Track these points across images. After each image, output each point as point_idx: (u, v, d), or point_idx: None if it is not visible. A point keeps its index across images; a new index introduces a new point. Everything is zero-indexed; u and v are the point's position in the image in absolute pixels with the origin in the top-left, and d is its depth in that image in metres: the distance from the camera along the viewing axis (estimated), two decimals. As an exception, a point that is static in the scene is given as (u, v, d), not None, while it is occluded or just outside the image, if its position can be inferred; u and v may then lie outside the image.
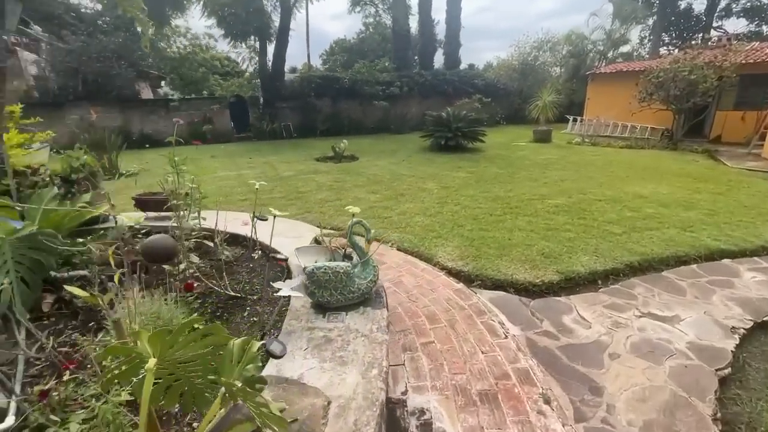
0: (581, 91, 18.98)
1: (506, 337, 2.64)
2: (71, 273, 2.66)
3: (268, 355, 1.40)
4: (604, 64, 21.85)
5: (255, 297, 2.52)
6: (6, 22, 2.57)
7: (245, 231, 3.57)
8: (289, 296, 2.10)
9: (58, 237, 1.99)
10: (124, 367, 0.99)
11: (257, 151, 11.83)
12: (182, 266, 2.62)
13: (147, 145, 13.39)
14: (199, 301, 2.46)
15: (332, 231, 4.36)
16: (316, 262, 2.19)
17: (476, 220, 5.02)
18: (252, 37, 16.38)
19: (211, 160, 10.43)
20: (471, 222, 4.92)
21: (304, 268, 2.00)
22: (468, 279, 3.53)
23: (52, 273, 2.60)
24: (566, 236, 4.37)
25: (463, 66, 21.69)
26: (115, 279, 1.86)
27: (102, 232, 3.25)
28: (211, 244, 3.21)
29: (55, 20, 15.49)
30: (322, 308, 2.13)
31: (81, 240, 3.18)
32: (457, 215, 5.22)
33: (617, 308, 3.04)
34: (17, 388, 1.70)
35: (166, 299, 1.92)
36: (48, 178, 3.05)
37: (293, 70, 23.82)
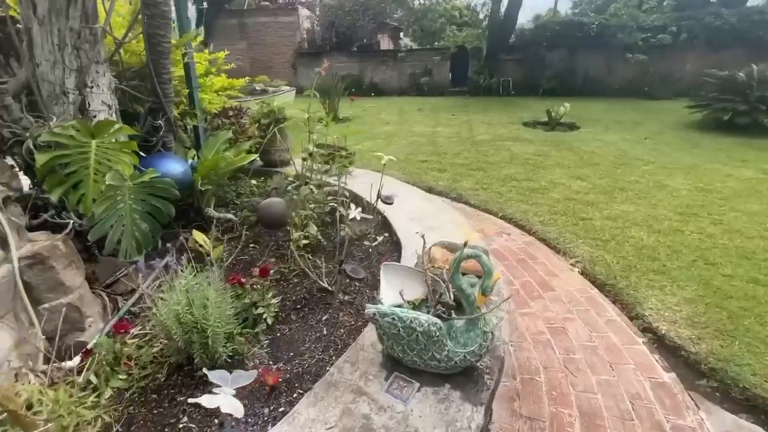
0: None
1: None
2: (220, 215, 2.87)
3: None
4: None
5: (346, 298, 2.06)
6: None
7: (386, 203, 3.10)
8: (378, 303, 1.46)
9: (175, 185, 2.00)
10: None
11: (464, 108, 11.14)
12: (295, 235, 2.39)
13: (372, 94, 14.72)
14: (295, 280, 2.19)
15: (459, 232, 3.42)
16: (401, 293, 1.49)
17: (748, 259, 2.99)
18: (491, -20, 14.96)
19: (417, 113, 10.46)
20: (735, 261, 2.96)
21: (366, 309, 1.34)
22: (694, 369, 2.06)
23: (208, 211, 2.87)
24: None
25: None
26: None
27: (262, 178, 3.43)
28: (343, 212, 2.91)
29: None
30: (393, 360, 1.45)
31: (254, 182, 3.47)
32: (710, 242, 3.26)
33: None
34: (111, 323, 1.84)
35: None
36: (233, 121, 3.36)
37: (536, 18, 20.82)
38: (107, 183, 1.70)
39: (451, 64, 14.73)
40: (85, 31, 1.81)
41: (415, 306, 1.47)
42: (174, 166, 2.46)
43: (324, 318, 1.90)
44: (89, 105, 1.93)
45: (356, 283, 2.18)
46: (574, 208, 4.03)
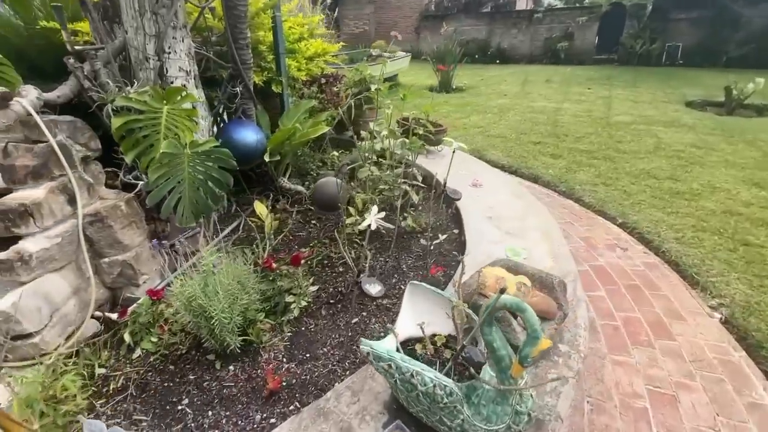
0: None
1: None
2: (291, 186, 2.85)
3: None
4: None
5: (384, 301, 1.82)
6: None
7: (468, 193, 2.67)
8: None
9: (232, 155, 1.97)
10: None
11: (606, 80, 9.29)
12: (349, 219, 2.20)
13: (497, 61, 13.39)
14: (341, 269, 2.03)
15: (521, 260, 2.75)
16: (421, 325, 1.18)
17: None
18: None
19: (543, 85, 9.11)
20: None
21: (360, 344, 1.06)
22: None
23: (280, 181, 2.88)
24: None
25: None
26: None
27: (341, 150, 3.29)
28: (415, 198, 2.60)
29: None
30: (398, 403, 1.18)
31: (335, 154, 3.37)
32: None
33: None
34: (163, 284, 1.95)
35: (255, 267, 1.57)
36: (323, 89, 3.24)
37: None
38: (162, 151, 1.73)
39: (600, 25, 12.32)
40: (162, -5, 1.83)
41: (436, 347, 1.15)
42: (249, 135, 2.46)
43: (354, 321, 1.70)
44: (167, 71, 1.98)
45: (401, 285, 1.91)
46: (737, 226, 2.96)
